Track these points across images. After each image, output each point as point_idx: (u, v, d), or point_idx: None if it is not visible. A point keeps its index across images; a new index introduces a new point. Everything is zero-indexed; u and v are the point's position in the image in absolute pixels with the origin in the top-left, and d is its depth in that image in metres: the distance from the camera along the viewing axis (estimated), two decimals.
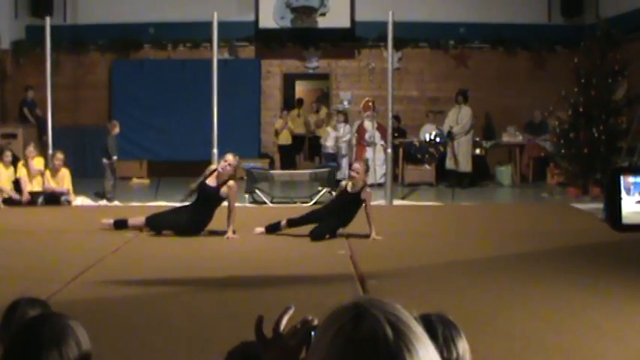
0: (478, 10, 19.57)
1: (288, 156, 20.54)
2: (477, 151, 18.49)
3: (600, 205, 13.10)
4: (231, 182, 10.91)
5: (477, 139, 18.60)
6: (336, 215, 10.88)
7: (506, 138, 18.99)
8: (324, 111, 21.44)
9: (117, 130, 15.96)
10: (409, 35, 19.13)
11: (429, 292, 7.54)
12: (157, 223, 11.18)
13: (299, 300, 7.18)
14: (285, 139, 20.32)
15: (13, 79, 19.96)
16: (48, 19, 15.96)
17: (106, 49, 20.18)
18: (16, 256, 9.65)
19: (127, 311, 7.09)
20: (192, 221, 11.04)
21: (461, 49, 20.02)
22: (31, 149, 14.76)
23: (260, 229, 11.13)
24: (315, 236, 10.63)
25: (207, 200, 11.08)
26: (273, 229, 11.07)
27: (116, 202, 14.95)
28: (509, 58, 19.92)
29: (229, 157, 11.16)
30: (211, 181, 11.06)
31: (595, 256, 9.65)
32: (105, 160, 15.47)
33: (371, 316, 1.32)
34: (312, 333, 2.51)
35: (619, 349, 5.75)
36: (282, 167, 19.62)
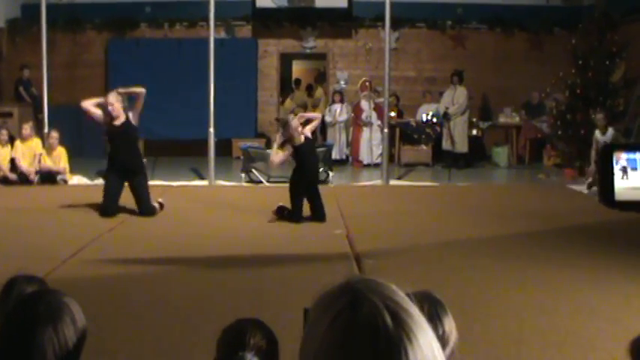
0: None
1: None
2: (474, 131, 18.47)
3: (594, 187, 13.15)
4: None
5: (474, 119, 18.60)
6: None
7: (502, 119, 18.97)
8: (319, 91, 21.47)
9: None
10: (406, 15, 19.07)
11: (425, 272, 7.56)
12: (110, 203, 11.11)
13: (295, 279, 7.20)
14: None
15: (9, 58, 19.88)
16: None
17: (102, 27, 20.08)
18: (13, 235, 9.66)
19: (123, 289, 7.11)
20: (126, 169, 11.07)
21: (458, 29, 19.94)
22: (27, 128, 14.71)
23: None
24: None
25: (125, 140, 11.36)
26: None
27: None
28: (506, 39, 19.86)
29: (110, 99, 11.52)
30: (117, 122, 11.26)
31: (590, 237, 9.67)
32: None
33: (369, 302, 1.28)
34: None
35: (613, 329, 5.77)
36: None
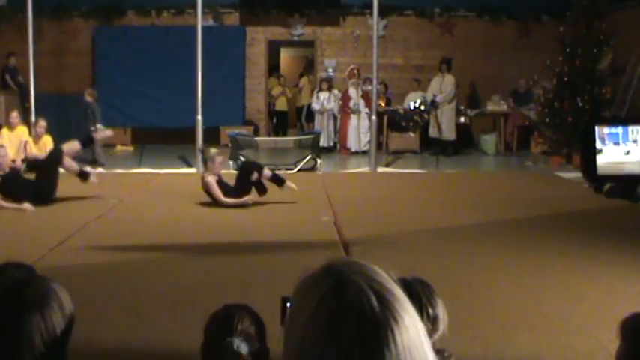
0: None
1: (283, 122, 20.96)
2: (462, 119, 18.50)
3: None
4: None
5: (462, 107, 18.62)
6: None
7: (490, 107, 19.00)
8: (304, 80, 21.50)
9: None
10: (395, 3, 19.06)
11: (412, 258, 7.58)
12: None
13: (283, 266, 7.21)
14: (281, 104, 20.87)
15: None
16: None
17: (89, 15, 19.99)
18: (0, 223, 9.63)
19: (111, 276, 7.10)
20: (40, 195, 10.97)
21: (446, 17, 19.95)
22: (14, 116, 14.65)
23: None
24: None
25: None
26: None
27: (100, 170, 14.88)
28: (494, 26, 19.88)
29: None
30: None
31: (578, 224, 9.71)
32: (93, 128, 15.44)
33: (353, 284, 1.27)
34: (288, 304, 2.53)
35: (601, 315, 5.81)
36: (276, 133, 19.84)
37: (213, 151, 11.11)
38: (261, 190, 10.89)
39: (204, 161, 11.05)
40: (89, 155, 15.42)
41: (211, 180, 10.71)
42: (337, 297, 1.26)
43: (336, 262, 1.34)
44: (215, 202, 10.71)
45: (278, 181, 11.04)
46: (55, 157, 11.19)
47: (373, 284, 1.28)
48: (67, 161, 11.07)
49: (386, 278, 1.32)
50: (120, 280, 6.95)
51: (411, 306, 1.31)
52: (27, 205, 10.46)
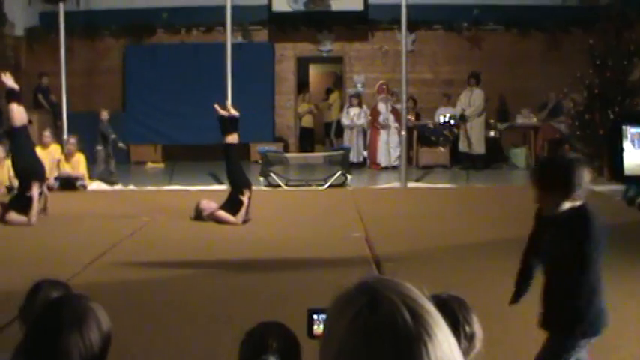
0: None
1: (309, 138, 20.92)
2: (491, 133, 18.44)
3: (616, 187, 13.09)
4: None
5: (491, 121, 18.55)
6: None
7: (520, 120, 18.91)
8: (334, 95, 21.55)
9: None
10: (423, 17, 19.06)
11: (444, 275, 7.55)
12: None
13: (315, 282, 7.21)
14: (306, 121, 20.86)
15: (28, 66, 19.99)
16: (61, 6, 15.96)
17: (119, 34, 20.19)
18: (34, 241, 9.73)
19: (145, 293, 7.14)
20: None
21: (474, 30, 19.90)
22: (47, 135, 14.83)
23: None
24: None
25: None
26: None
27: (131, 187, 14.99)
28: (523, 39, 19.80)
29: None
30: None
31: (611, 238, 9.59)
32: (100, 147, 15.67)
33: (388, 300, 1.29)
34: (314, 316, 2.55)
35: (636, 329, 5.76)
36: (302, 149, 19.85)
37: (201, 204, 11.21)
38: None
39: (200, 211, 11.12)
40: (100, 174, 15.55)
41: (220, 213, 10.84)
42: (371, 313, 1.28)
43: (371, 280, 1.36)
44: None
45: None
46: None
47: (407, 300, 1.30)
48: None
49: (419, 295, 1.34)
50: (153, 298, 6.99)
51: (444, 322, 1.32)
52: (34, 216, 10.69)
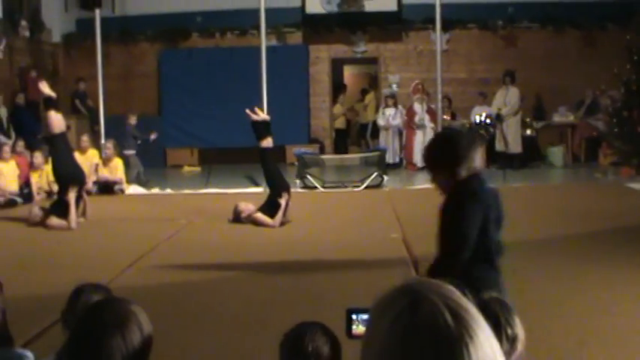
0: None
1: (343, 139, 20.98)
2: (528, 131, 18.31)
3: None
4: None
5: (528, 119, 18.42)
6: None
7: (557, 118, 18.78)
8: (370, 96, 21.52)
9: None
10: (457, 16, 18.98)
11: None
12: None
13: (354, 284, 7.21)
14: (339, 122, 20.86)
15: (65, 72, 20.23)
16: (97, 12, 16.14)
17: (154, 39, 20.35)
18: (73, 245, 9.83)
19: (183, 296, 7.19)
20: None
21: (509, 29, 19.78)
22: (84, 139, 14.98)
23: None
24: None
25: None
26: None
27: (168, 190, 15.09)
28: (558, 37, 19.63)
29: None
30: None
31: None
32: (131, 152, 15.82)
33: (429, 302, 1.30)
34: (353, 316, 2.55)
35: None
36: (336, 150, 19.86)
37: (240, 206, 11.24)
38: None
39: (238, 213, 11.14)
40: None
41: (258, 215, 10.86)
42: (413, 314, 1.29)
43: (412, 281, 1.37)
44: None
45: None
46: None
47: (448, 302, 1.30)
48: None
49: (460, 297, 1.34)
50: (192, 300, 7.03)
51: (486, 323, 1.32)
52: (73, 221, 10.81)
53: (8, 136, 15.76)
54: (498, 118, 17.47)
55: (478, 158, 4.31)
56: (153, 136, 16.18)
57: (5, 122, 16.30)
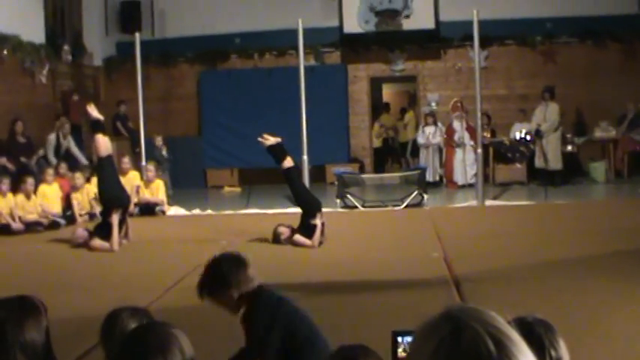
0: (564, 4, 19.16)
1: (382, 158, 21.00)
2: (569, 147, 18.17)
3: None
4: None
5: (568, 135, 18.27)
6: None
7: (598, 133, 18.60)
8: (409, 115, 21.53)
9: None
10: (495, 33, 18.93)
11: (525, 294, 7.43)
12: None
13: (395, 304, 7.17)
14: (379, 142, 20.94)
15: (106, 95, 20.48)
16: (137, 35, 16.30)
17: (194, 60, 20.55)
18: (114, 266, 9.90)
19: (223, 319, 7.17)
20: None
21: (548, 44, 19.67)
22: (125, 161, 15.13)
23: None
24: None
25: None
26: None
27: (209, 211, 15.17)
28: (598, 51, 19.48)
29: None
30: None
31: None
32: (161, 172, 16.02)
33: (471, 329, 1.30)
34: (398, 338, 2.53)
35: None
36: (375, 169, 19.89)
37: (279, 228, 11.22)
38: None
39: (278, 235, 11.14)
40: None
41: (297, 237, 10.86)
42: (455, 342, 1.28)
43: (454, 308, 1.37)
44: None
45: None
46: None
47: (490, 329, 1.30)
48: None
49: (503, 323, 1.33)
50: (233, 323, 7.02)
51: (528, 350, 1.31)
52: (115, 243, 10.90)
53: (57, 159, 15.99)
54: (538, 134, 17.35)
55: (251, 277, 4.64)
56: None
57: (63, 148, 16.50)
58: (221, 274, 4.45)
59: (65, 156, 16.21)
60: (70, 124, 16.81)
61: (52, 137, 16.25)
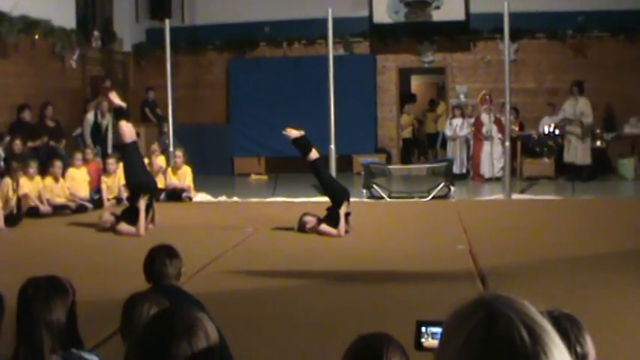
0: None
1: (410, 149, 20.97)
2: (598, 143, 18.01)
3: None
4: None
5: (598, 130, 18.12)
6: None
7: (628, 129, 18.43)
8: (442, 107, 21.43)
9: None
10: (525, 26, 18.78)
11: (550, 289, 7.39)
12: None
13: (419, 295, 7.17)
14: (408, 132, 21.00)
15: (135, 81, 20.58)
16: (167, 22, 16.36)
17: (222, 48, 20.59)
18: (142, 251, 9.93)
19: (249, 304, 7.22)
20: None
21: (579, 38, 19.50)
22: (154, 147, 15.22)
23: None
24: None
25: None
26: None
27: (235, 198, 15.21)
28: (630, 46, 19.26)
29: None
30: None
31: None
32: None
33: (504, 317, 1.29)
34: (422, 328, 2.53)
35: None
36: (403, 160, 19.86)
37: (305, 217, 11.23)
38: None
39: (303, 224, 11.15)
40: None
41: (323, 227, 10.85)
42: (488, 329, 1.28)
43: (488, 296, 1.37)
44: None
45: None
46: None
47: (524, 318, 1.29)
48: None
49: (536, 312, 1.33)
50: (257, 308, 7.06)
51: (560, 340, 1.31)
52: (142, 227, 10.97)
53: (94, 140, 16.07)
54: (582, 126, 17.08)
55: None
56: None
57: (103, 128, 16.54)
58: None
59: (103, 139, 16.29)
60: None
61: (90, 116, 16.29)
